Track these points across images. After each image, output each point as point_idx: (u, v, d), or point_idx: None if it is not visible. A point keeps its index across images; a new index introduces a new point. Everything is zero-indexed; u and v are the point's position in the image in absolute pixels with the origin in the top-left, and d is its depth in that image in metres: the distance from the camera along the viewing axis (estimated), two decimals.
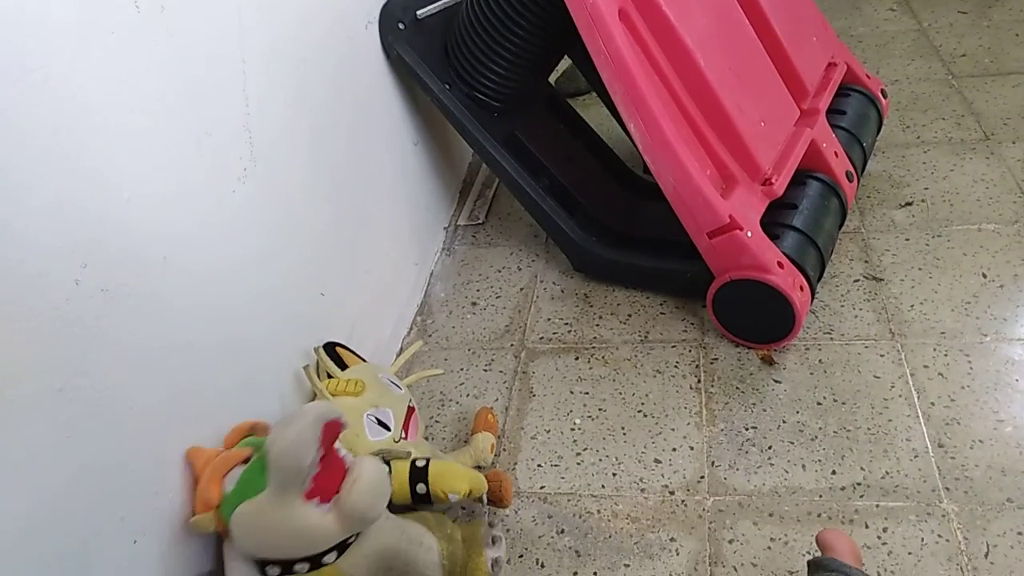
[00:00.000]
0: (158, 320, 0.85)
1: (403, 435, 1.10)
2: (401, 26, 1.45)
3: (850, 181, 1.49)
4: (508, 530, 1.14)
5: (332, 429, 0.81)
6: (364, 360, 1.19)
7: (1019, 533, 1.02)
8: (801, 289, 1.26)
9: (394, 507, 0.96)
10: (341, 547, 0.85)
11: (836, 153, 1.48)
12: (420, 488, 0.95)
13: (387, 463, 0.97)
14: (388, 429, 1.07)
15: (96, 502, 0.76)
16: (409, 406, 1.14)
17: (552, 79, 1.88)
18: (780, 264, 1.25)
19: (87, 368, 0.75)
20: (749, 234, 1.24)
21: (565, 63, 1.88)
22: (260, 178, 1.05)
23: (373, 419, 1.06)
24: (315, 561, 0.84)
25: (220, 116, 0.98)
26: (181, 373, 0.88)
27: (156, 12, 0.86)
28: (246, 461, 0.84)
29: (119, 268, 0.79)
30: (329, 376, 1.11)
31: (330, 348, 1.15)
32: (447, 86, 1.46)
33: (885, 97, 1.72)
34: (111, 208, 0.79)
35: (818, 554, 0.92)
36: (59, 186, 0.73)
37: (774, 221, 1.33)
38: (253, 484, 0.81)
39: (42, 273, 0.70)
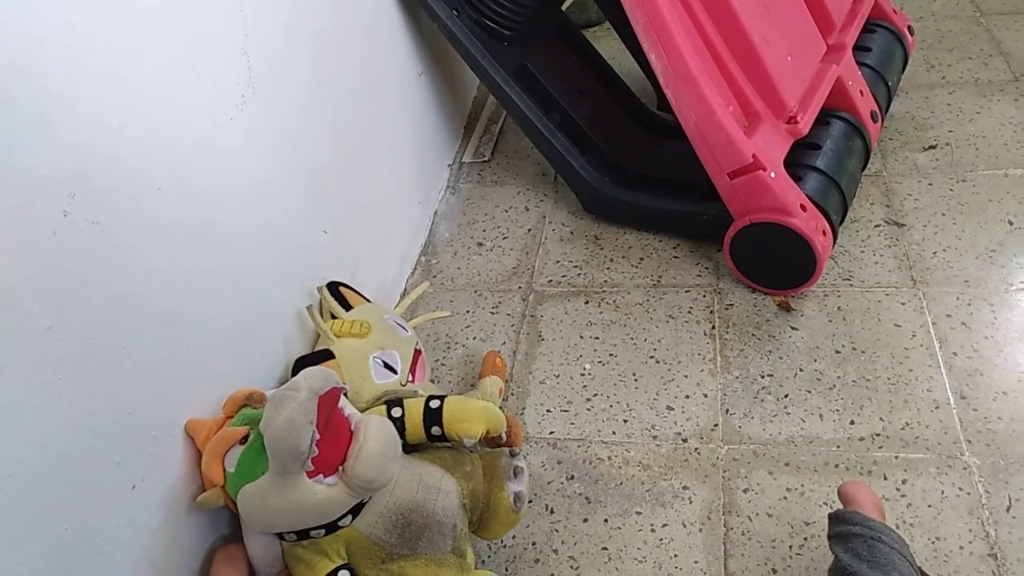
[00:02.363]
0: (153, 255, 0.79)
1: (410, 378, 1.06)
2: None
3: (874, 122, 1.43)
4: None
5: (329, 400, 0.75)
6: (368, 300, 1.15)
7: None
8: (824, 234, 1.21)
9: (409, 446, 0.93)
10: (356, 509, 0.81)
11: (861, 92, 1.42)
12: (435, 431, 0.91)
13: (400, 404, 0.93)
14: (395, 372, 1.03)
15: (91, 445, 0.72)
16: (416, 348, 1.10)
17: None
18: (803, 207, 1.20)
19: (78, 305, 0.70)
20: (772, 175, 1.19)
21: None
22: (259, 106, 0.98)
23: (379, 361, 1.02)
24: (330, 527, 0.81)
25: (216, 36, 0.91)
26: (179, 310, 0.83)
27: None
28: (245, 439, 0.79)
29: (110, 199, 0.73)
30: (333, 316, 1.07)
31: (333, 288, 1.10)
32: (455, 12, 1.38)
33: (912, 34, 1.64)
34: (100, 135, 0.73)
35: (839, 506, 0.90)
36: (46, 107, 0.66)
37: (796, 162, 1.27)
38: (253, 466, 0.76)
39: (27, 203, 0.65)
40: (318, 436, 0.73)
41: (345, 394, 0.83)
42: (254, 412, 0.81)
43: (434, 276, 1.47)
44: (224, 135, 0.91)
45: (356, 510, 0.81)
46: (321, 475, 0.76)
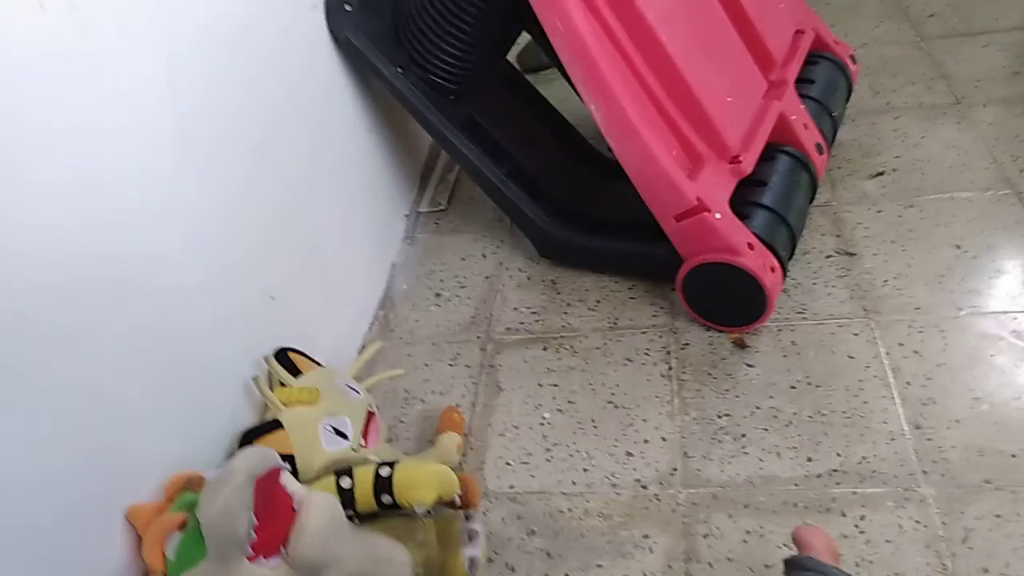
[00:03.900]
0: (85, 330, 0.78)
1: (362, 443, 1.05)
2: (348, 7, 1.38)
3: (820, 153, 1.45)
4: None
5: (268, 481, 0.74)
6: (320, 365, 1.14)
7: (997, 515, 1.00)
8: (772, 270, 1.22)
9: (361, 516, 0.91)
10: None
11: (805, 125, 1.44)
12: (386, 499, 0.90)
13: (350, 473, 0.92)
14: (346, 438, 1.03)
15: (28, 541, 0.71)
16: (369, 411, 1.10)
17: (514, 52, 1.81)
18: (750, 245, 1.21)
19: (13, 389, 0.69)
20: (718, 216, 1.20)
21: (527, 35, 1.81)
22: (201, 167, 0.98)
23: (329, 428, 1.01)
24: None
25: (148, 92, 0.90)
26: (120, 389, 0.82)
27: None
28: (184, 524, 0.78)
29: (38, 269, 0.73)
30: (282, 384, 1.06)
31: (282, 355, 1.10)
32: (400, 70, 1.39)
33: (854, 63, 1.67)
34: (16, 200, 0.72)
35: (795, 552, 0.89)
36: None
37: (743, 199, 1.28)
38: (192, 553, 0.75)
39: None
40: (255, 521, 0.72)
41: (293, 469, 0.82)
42: (193, 496, 0.80)
43: (392, 330, 1.46)
44: (162, 197, 0.91)
45: None
46: (261, 558, 0.75)
